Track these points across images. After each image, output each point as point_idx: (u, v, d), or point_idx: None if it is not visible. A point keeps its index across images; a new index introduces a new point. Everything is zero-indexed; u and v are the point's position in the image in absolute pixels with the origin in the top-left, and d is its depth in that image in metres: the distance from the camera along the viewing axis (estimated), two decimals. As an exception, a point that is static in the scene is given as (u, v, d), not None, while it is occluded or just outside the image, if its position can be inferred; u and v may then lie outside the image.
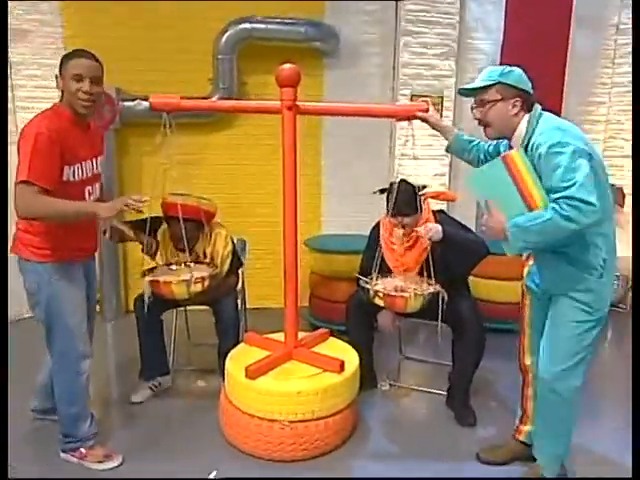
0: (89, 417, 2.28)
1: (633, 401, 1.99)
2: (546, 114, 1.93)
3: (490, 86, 1.91)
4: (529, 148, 1.86)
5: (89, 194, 2.14)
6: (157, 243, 2.79)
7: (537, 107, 1.94)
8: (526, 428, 2.29)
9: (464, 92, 2.02)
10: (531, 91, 1.94)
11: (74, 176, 2.04)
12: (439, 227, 2.48)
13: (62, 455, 2.30)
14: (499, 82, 1.90)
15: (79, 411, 2.23)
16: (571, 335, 1.96)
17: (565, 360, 1.97)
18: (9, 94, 3.73)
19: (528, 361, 2.22)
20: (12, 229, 2.16)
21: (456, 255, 2.50)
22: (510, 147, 2.00)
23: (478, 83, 1.95)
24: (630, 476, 1.81)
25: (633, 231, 1.80)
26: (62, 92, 2.02)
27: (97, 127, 2.26)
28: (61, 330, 2.11)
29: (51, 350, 2.17)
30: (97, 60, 2.02)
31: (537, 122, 1.90)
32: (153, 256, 2.76)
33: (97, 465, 2.26)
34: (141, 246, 2.69)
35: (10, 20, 3.64)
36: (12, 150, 2.12)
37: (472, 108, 2.00)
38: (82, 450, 2.27)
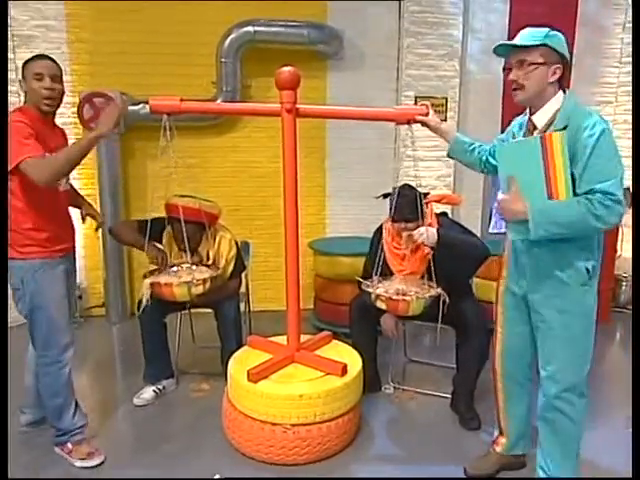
0: (72, 408, 2.32)
1: (633, 401, 1.97)
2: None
3: (535, 47, 1.77)
4: (573, 128, 1.72)
5: (65, 182, 2.26)
6: (165, 255, 2.76)
7: (570, 91, 1.85)
8: (503, 440, 2.26)
9: (502, 49, 1.85)
10: (568, 62, 1.83)
11: None
12: (433, 230, 2.45)
13: (56, 449, 2.36)
14: (545, 44, 1.77)
15: (63, 402, 2.29)
16: (557, 345, 1.90)
17: (558, 364, 1.91)
18: (16, 99, 3.76)
19: (498, 365, 2.18)
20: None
21: (456, 259, 2.48)
22: (532, 127, 1.88)
23: (522, 41, 1.79)
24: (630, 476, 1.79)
25: (633, 231, 1.76)
26: (25, 94, 2.16)
27: (61, 129, 2.36)
28: (44, 323, 2.20)
29: (34, 343, 2.25)
30: (54, 61, 2.19)
31: (575, 104, 1.78)
32: (161, 265, 2.73)
33: (80, 462, 2.31)
34: (148, 257, 2.71)
35: (15, 26, 3.69)
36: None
37: (504, 69, 1.87)
38: (69, 445, 2.32)
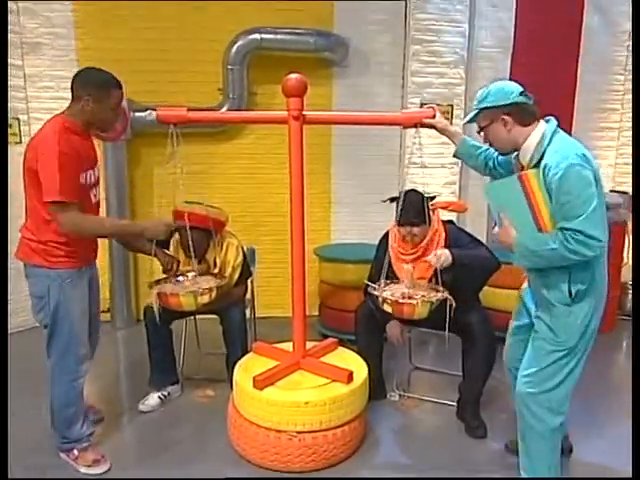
0: (81, 419, 2.33)
1: (633, 402, 1.99)
2: (561, 132, 1.90)
3: (477, 115, 1.95)
4: (542, 166, 1.81)
5: (94, 196, 2.30)
6: (177, 261, 2.76)
7: (553, 122, 1.90)
8: None
9: (470, 122, 2.04)
10: (520, 99, 1.87)
11: (86, 182, 2.20)
12: (447, 253, 2.48)
13: (61, 455, 2.36)
14: (480, 109, 1.93)
15: (74, 413, 2.30)
16: (536, 346, 2.00)
17: (530, 365, 2.00)
18: (24, 106, 3.79)
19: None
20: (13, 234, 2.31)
21: (466, 273, 2.49)
22: (520, 165, 1.99)
23: (469, 116, 2.01)
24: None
25: (633, 234, 1.83)
26: (83, 107, 2.12)
27: (92, 142, 2.41)
28: (65, 333, 2.20)
29: (52, 352, 2.24)
30: None
31: (551, 140, 1.85)
32: (174, 273, 2.73)
33: (85, 469, 2.31)
34: (161, 265, 2.71)
35: (25, 33, 3.72)
36: (19, 160, 2.20)
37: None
38: (75, 452, 2.33)
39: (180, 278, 2.62)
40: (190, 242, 2.53)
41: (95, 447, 2.39)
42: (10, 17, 3.58)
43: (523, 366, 2.04)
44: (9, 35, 3.57)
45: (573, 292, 1.88)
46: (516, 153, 2.00)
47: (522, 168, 1.95)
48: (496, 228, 2.01)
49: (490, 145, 2.02)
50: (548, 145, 1.83)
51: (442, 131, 2.28)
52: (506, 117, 1.88)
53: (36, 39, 3.76)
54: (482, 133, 2.00)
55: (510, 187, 1.87)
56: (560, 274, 1.88)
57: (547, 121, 1.91)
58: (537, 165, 1.84)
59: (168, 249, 2.84)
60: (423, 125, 2.28)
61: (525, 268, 2.07)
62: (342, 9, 4.00)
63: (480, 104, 1.94)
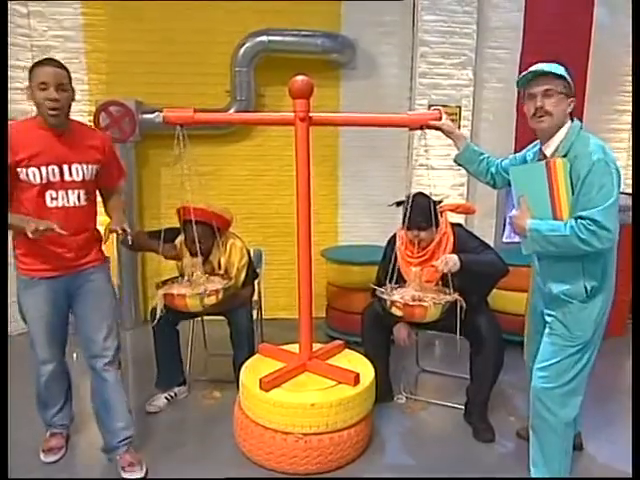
0: (56, 409, 2.40)
1: (633, 400, 2.01)
2: (584, 131, 1.94)
3: (561, 77, 1.91)
4: (570, 157, 1.85)
5: (51, 198, 2.08)
6: (174, 246, 2.82)
7: (578, 122, 1.96)
8: None
9: (528, 76, 1.93)
10: None
11: (29, 178, 2.03)
12: (455, 258, 2.45)
13: None
14: (565, 78, 1.91)
15: (43, 401, 2.39)
16: (550, 342, 2.03)
17: (545, 361, 2.03)
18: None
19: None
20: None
21: (474, 278, 2.47)
22: (543, 156, 2.00)
23: (553, 69, 1.91)
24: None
25: (633, 234, 1.85)
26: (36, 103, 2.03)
27: (85, 136, 2.18)
28: (29, 333, 2.26)
29: None
30: (63, 67, 2.03)
31: (579, 133, 1.91)
32: (176, 258, 2.79)
33: (42, 454, 2.38)
34: (162, 254, 2.74)
35: (35, 36, 3.76)
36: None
37: (524, 95, 1.97)
38: (47, 435, 2.43)
39: (187, 279, 2.63)
40: (195, 237, 2.54)
41: (62, 437, 2.45)
42: (20, 20, 3.61)
43: (538, 362, 2.07)
44: (20, 38, 3.61)
45: (589, 288, 1.92)
46: (539, 146, 2.03)
47: (544, 159, 1.98)
48: (514, 211, 2.03)
49: (540, 113, 1.89)
50: (576, 139, 1.88)
51: (448, 134, 2.29)
52: (573, 102, 1.94)
53: (46, 42, 3.79)
54: (545, 97, 1.88)
55: (535, 172, 1.92)
56: (578, 270, 1.92)
57: (571, 120, 1.96)
58: (563, 157, 1.88)
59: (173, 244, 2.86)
60: (429, 127, 2.28)
61: (536, 265, 2.10)
62: (349, 11, 4.00)
63: (566, 73, 1.91)
